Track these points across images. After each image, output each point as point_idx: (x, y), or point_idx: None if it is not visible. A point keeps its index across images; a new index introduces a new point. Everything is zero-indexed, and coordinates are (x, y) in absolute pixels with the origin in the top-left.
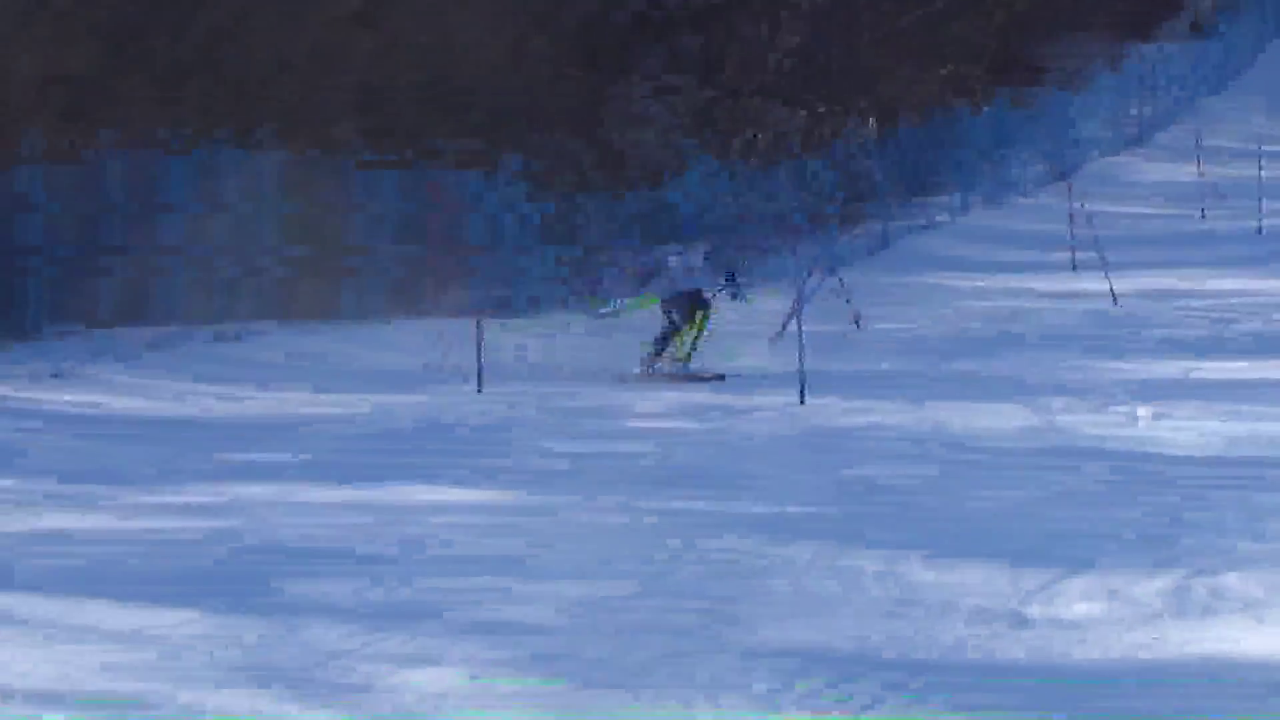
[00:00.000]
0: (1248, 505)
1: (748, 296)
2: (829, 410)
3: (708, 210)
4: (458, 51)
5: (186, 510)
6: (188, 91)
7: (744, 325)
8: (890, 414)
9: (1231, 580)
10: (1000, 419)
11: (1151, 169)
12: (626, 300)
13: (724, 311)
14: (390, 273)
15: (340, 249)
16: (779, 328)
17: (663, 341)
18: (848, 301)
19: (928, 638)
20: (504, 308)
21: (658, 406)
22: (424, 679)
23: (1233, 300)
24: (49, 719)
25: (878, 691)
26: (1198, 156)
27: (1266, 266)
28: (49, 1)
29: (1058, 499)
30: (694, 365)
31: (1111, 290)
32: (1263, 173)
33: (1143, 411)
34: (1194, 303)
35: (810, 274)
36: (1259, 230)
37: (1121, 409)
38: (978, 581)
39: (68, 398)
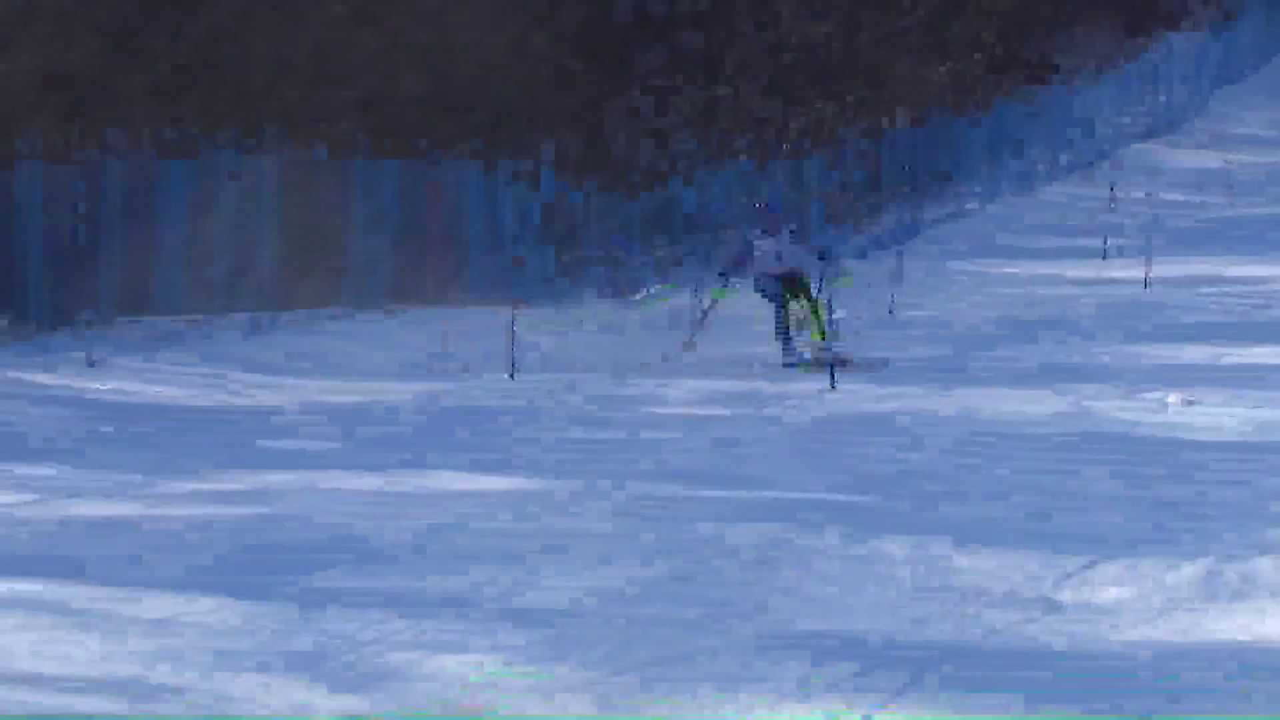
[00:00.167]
0: (1279, 491)
1: (844, 272)
2: (859, 396)
3: (713, 206)
4: (458, 51)
5: (219, 498)
6: (190, 91)
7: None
8: (920, 400)
9: (1263, 565)
10: (1030, 405)
11: (1179, 157)
12: (657, 289)
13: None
14: (392, 268)
15: (341, 246)
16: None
17: (784, 331)
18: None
19: (958, 623)
20: (517, 300)
21: (687, 395)
22: (453, 666)
23: (1262, 287)
24: (81, 705)
25: (908, 678)
26: (1223, 145)
27: None
28: (48, 1)
29: (1088, 484)
30: (837, 346)
31: (1146, 276)
32: None
33: (1172, 398)
34: (1223, 289)
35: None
36: None
37: (1151, 395)
38: (1008, 567)
39: (102, 386)
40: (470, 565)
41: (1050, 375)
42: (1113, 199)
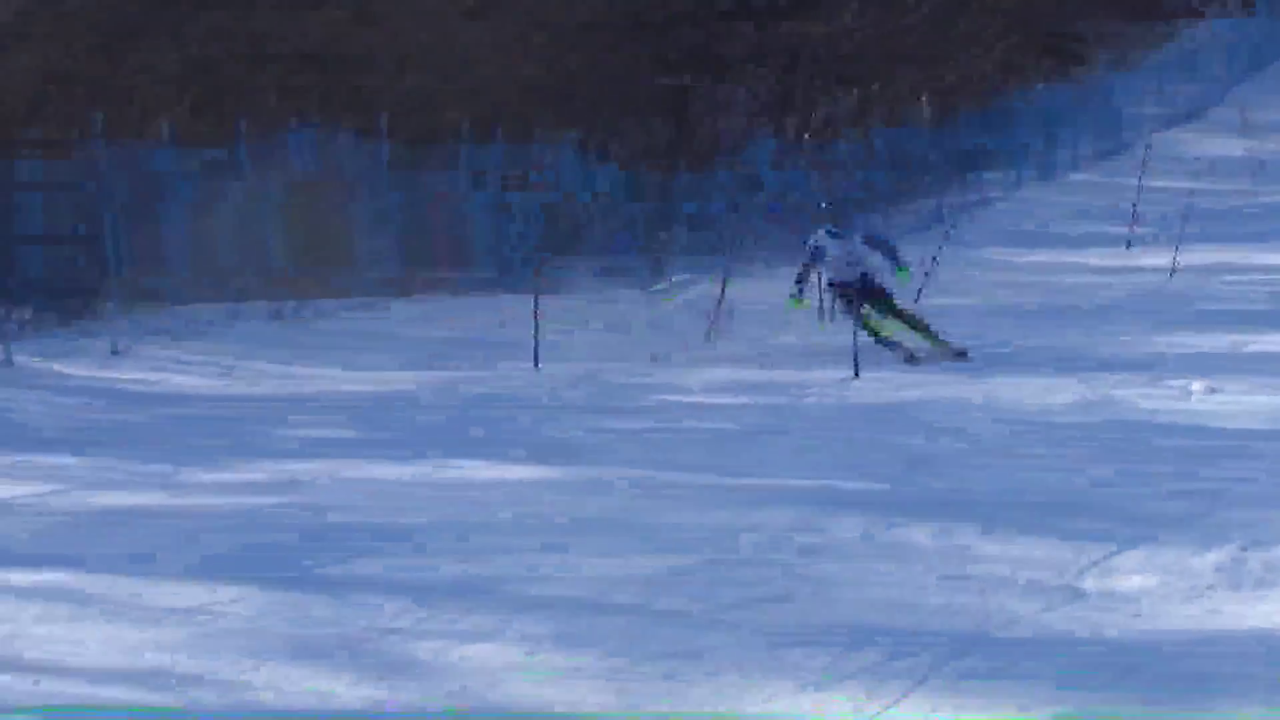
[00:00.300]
0: None
1: (904, 265)
2: (883, 385)
3: (790, 190)
4: (561, 45)
5: (242, 487)
6: (309, 82)
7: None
8: (945, 388)
9: None
10: (1055, 393)
11: (1205, 144)
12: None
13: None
14: (489, 254)
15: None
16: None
17: (888, 342)
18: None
19: (982, 611)
20: (570, 285)
21: (711, 383)
22: (478, 655)
23: None
24: (104, 695)
25: (933, 665)
26: (1248, 133)
27: None
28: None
29: (1112, 473)
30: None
31: (1173, 263)
32: None
33: (1196, 385)
34: (1248, 277)
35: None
36: None
37: (1175, 383)
38: (1032, 555)
39: (126, 375)
40: (492, 554)
41: (1074, 363)
42: (1138, 188)
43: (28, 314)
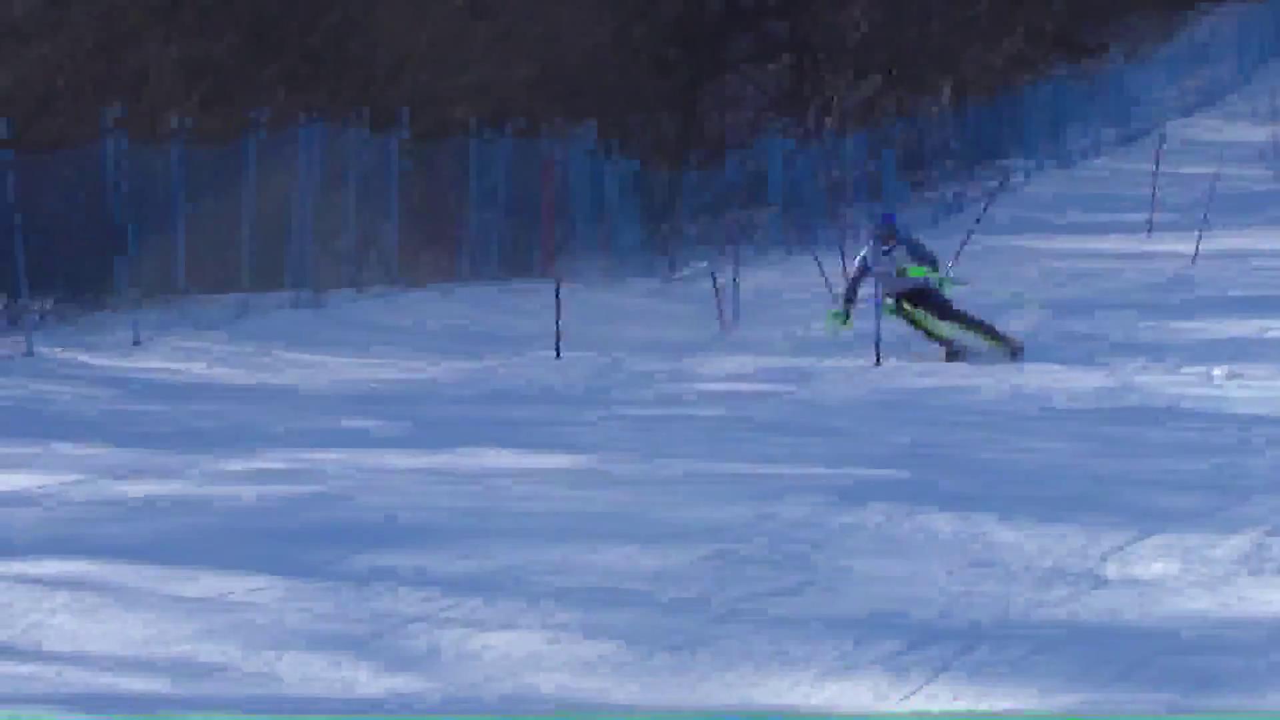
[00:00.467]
0: None
1: (946, 276)
2: (903, 372)
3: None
4: (565, 41)
5: (265, 477)
6: (319, 79)
7: (809, 286)
8: (965, 375)
9: None
10: (1076, 379)
11: (1222, 131)
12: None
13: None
14: (496, 243)
15: (450, 221)
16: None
17: (952, 346)
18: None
19: (1004, 598)
20: (589, 274)
21: (733, 371)
22: (499, 644)
23: None
24: (128, 684)
25: (954, 652)
26: (1268, 119)
27: None
28: None
29: (1133, 459)
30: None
31: (1193, 250)
32: None
33: (1217, 371)
34: (1270, 262)
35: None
36: None
37: (1196, 369)
38: (1052, 541)
39: (147, 365)
40: (516, 543)
41: (1095, 349)
42: (1156, 174)
43: (49, 305)
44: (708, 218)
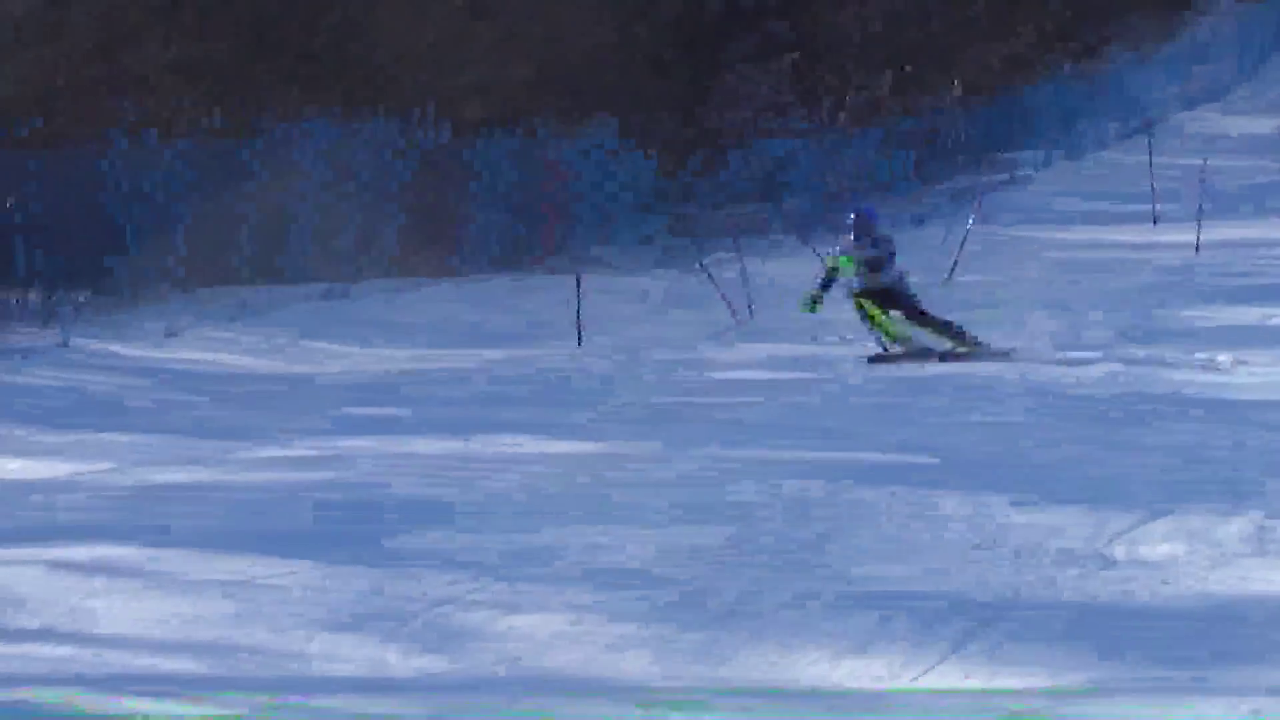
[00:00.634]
0: None
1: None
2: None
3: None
4: (565, 40)
5: (295, 463)
6: (321, 78)
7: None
8: (976, 362)
9: None
10: (1083, 365)
11: (1228, 123)
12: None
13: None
14: (503, 237)
15: (457, 217)
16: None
17: (909, 345)
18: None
19: (1015, 579)
20: (607, 266)
21: (747, 359)
22: (526, 625)
23: None
24: (163, 665)
25: (968, 631)
26: (1272, 111)
27: None
28: None
29: (1140, 443)
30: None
31: (1196, 240)
32: None
33: (1223, 358)
34: (1275, 251)
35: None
36: None
37: (1202, 355)
38: (1063, 524)
39: (180, 356)
40: (541, 527)
41: (1103, 337)
42: (1160, 166)
43: (83, 298)
44: (722, 212)
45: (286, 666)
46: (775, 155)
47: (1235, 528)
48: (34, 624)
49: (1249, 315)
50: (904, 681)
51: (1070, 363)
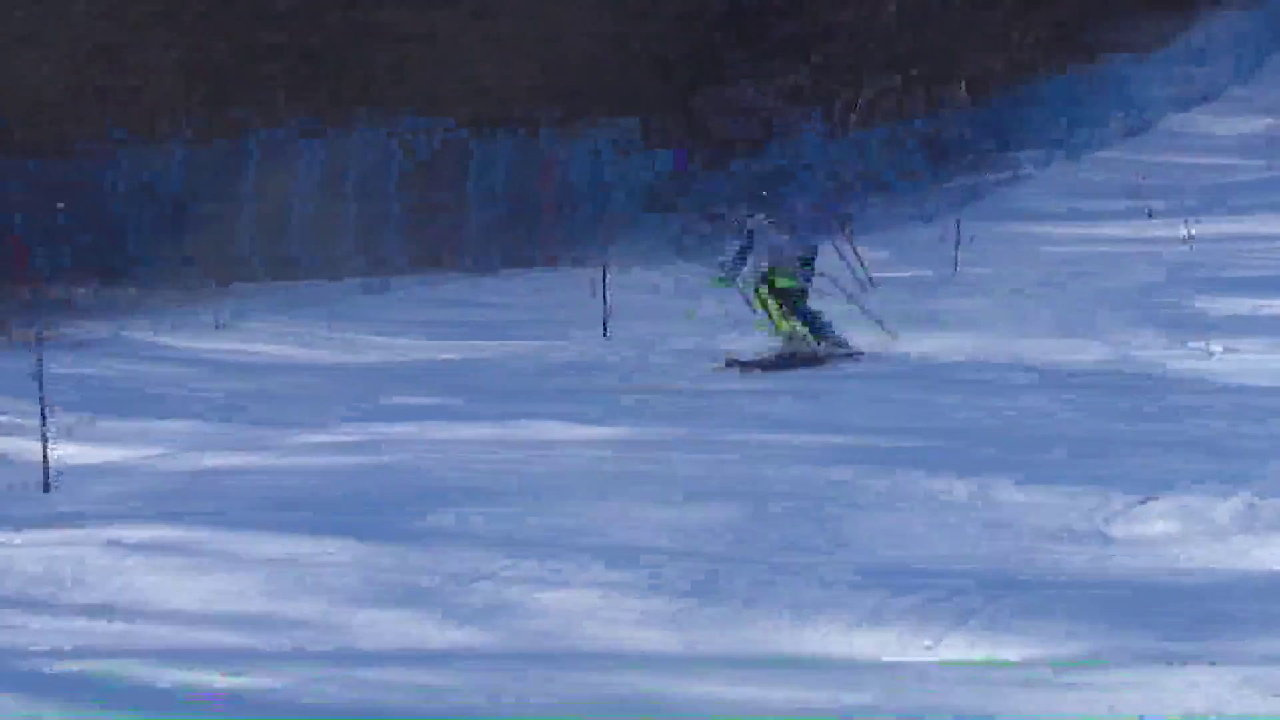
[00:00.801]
0: None
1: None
2: (919, 348)
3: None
4: (565, 42)
5: (337, 448)
6: (321, 79)
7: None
8: (981, 350)
9: None
10: (1084, 354)
11: (1220, 124)
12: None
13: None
14: (510, 234)
15: (461, 214)
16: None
17: (788, 343)
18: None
19: (1017, 556)
20: (628, 261)
21: (764, 347)
22: (557, 600)
23: None
24: (213, 639)
25: (976, 604)
26: (1264, 112)
27: None
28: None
29: (1137, 427)
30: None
31: (1190, 233)
32: None
33: (1215, 346)
34: (1264, 245)
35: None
36: None
37: (1195, 344)
38: (1063, 504)
39: (229, 347)
40: (569, 508)
41: (1102, 326)
42: (1158, 165)
43: (134, 291)
44: (736, 210)
45: (330, 640)
46: (781, 155)
47: (1228, 506)
48: (92, 599)
49: (1240, 306)
50: (913, 653)
51: (1070, 351)
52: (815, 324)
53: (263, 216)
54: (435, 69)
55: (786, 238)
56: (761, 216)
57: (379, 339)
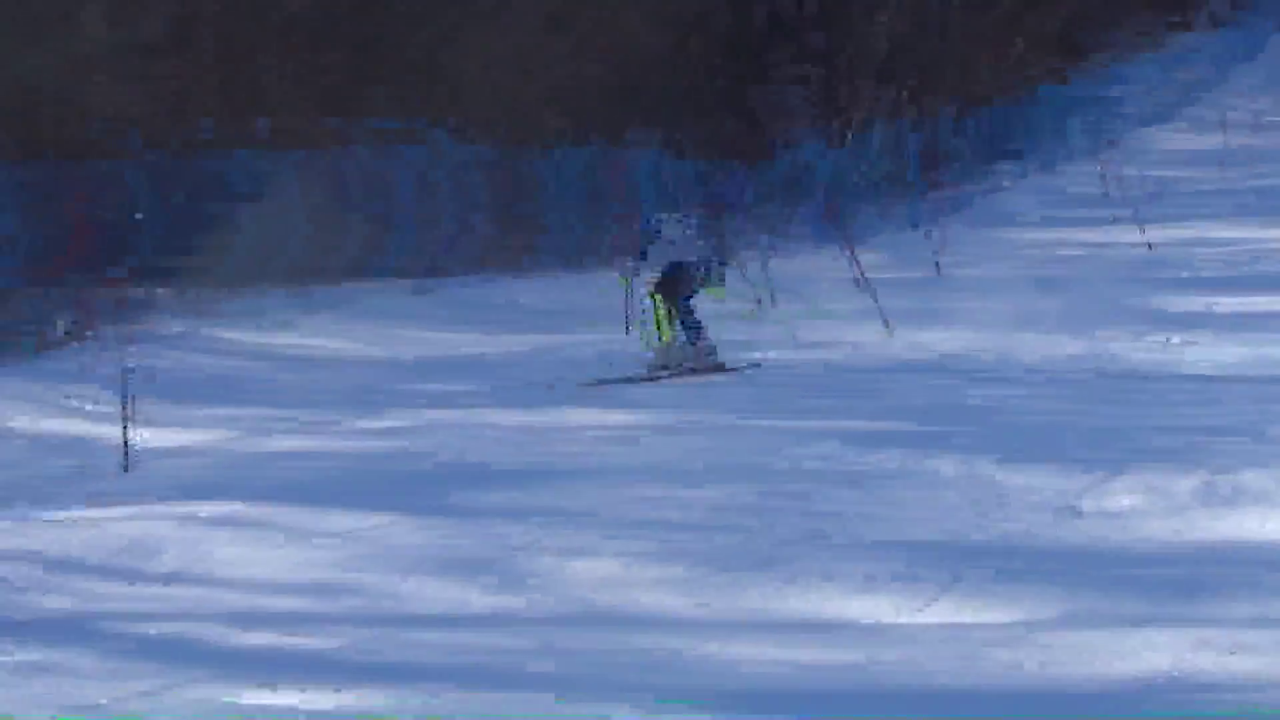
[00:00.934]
0: (1262, 414)
1: (717, 281)
2: (913, 341)
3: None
4: (631, 51)
5: (387, 433)
6: (414, 89)
7: (835, 271)
8: (966, 344)
9: (1249, 477)
10: (1056, 346)
11: (1178, 139)
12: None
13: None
14: (573, 236)
15: (532, 217)
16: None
17: (665, 353)
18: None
19: (1000, 527)
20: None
21: (770, 342)
22: (585, 569)
23: (1247, 246)
24: (278, 604)
25: (960, 571)
26: (1220, 128)
27: (1275, 217)
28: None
29: (1104, 412)
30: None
31: (1146, 237)
32: (1266, 140)
33: (1174, 339)
34: (1216, 249)
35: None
36: (1268, 188)
37: (1155, 337)
38: (1039, 481)
39: (285, 341)
40: (597, 485)
41: (1072, 322)
42: (1121, 174)
43: (208, 292)
44: (753, 211)
45: (383, 605)
46: (800, 161)
47: (1187, 483)
48: (168, 569)
49: (1195, 303)
50: (904, 616)
51: (1044, 343)
52: (696, 334)
53: (325, 223)
54: (495, 81)
55: (709, 246)
56: (676, 216)
57: (426, 334)
